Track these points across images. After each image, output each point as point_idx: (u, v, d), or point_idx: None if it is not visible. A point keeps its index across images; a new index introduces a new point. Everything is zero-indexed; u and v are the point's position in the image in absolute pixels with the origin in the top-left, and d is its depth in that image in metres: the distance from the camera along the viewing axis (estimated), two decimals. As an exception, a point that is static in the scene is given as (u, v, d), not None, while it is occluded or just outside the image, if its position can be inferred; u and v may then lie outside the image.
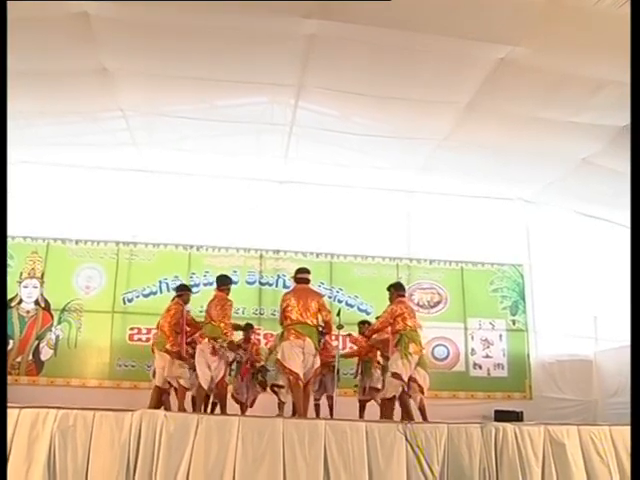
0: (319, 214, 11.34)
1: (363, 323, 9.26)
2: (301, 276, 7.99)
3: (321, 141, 9.82)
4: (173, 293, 8.90)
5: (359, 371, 9.08)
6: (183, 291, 8.63)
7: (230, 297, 8.01)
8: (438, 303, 11.58)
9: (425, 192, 11.61)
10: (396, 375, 7.28)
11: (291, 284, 10.87)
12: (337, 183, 11.33)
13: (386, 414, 7.47)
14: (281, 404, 8.45)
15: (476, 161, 10.13)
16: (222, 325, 7.63)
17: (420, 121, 8.98)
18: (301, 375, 7.29)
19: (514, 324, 11.72)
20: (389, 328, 7.67)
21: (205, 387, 7.62)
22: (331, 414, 8.60)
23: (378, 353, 8.72)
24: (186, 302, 8.47)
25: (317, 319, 7.52)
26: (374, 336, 8.25)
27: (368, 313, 10.82)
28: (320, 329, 7.58)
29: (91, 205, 10.84)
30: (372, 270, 11.52)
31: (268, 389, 8.67)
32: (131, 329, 10.60)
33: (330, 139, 9.66)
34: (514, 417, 9.64)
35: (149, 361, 10.21)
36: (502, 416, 9.75)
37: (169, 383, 8.18)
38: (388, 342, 7.71)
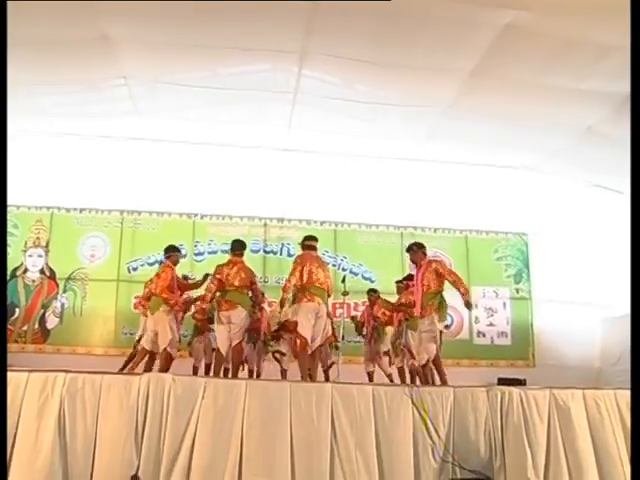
0: (323, 182, 11.30)
1: (372, 291, 9.26)
2: (309, 243, 7.78)
3: (324, 109, 9.73)
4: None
5: (371, 336, 9.04)
6: (172, 252, 8.44)
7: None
8: (442, 271, 11.57)
9: (429, 160, 11.42)
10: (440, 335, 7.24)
11: (295, 252, 11.00)
12: (341, 151, 11.18)
13: (426, 380, 7.46)
14: (284, 372, 8.48)
15: (480, 129, 10.03)
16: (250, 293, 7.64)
17: (424, 88, 8.90)
18: (309, 340, 7.20)
19: (518, 292, 11.78)
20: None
21: (224, 352, 7.50)
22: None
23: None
24: (175, 263, 8.31)
25: (327, 285, 7.43)
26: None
27: (372, 281, 10.89)
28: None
29: (95, 174, 10.80)
30: (376, 238, 11.57)
31: (270, 355, 8.72)
32: (136, 297, 10.60)
33: (334, 107, 9.57)
34: (517, 385, 9.67)
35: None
36: (506, 384, 9.79)
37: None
38: (413, 304, 7.51)
